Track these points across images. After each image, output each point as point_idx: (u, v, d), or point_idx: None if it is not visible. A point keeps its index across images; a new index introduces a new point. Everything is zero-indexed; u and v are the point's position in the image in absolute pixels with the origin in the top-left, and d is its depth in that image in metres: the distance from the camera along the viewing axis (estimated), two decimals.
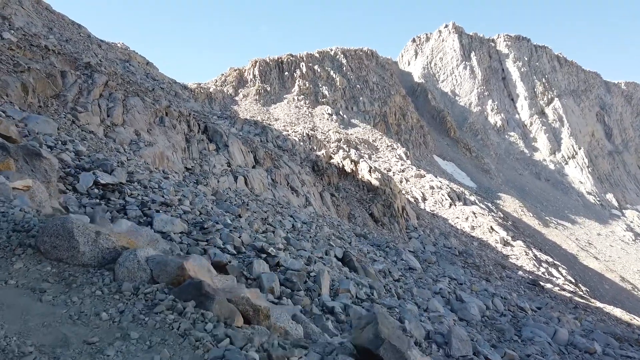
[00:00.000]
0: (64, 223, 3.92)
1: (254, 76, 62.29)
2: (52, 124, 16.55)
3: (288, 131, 47.35)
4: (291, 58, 69.11)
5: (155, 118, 26.43)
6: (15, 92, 17.61)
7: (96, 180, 14.59)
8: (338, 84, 69.71)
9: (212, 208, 19.53)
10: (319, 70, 70.13)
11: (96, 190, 14.46)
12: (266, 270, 12.98)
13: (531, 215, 62.81)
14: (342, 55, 77.01)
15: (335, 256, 22.66)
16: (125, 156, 21.64)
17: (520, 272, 37.02)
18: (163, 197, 16.50)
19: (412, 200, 48.55)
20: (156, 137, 25.68)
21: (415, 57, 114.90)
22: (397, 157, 59.23)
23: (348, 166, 43.15)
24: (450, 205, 50.10)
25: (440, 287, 25.22)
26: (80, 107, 21.23)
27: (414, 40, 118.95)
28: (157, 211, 14.88)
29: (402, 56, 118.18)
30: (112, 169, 15.78)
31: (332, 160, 43.39)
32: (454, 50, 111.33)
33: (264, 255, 14.12)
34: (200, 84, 52.85)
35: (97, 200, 14.19)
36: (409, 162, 59.41)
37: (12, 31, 19.95)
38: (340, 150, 48.16)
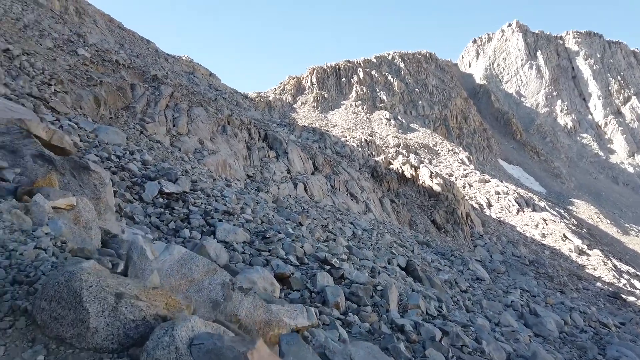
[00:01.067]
0: (70, 280, 2.61)
1: (312, 83, 62.48)
2: (121, 135, 17.03)
3: (346, 137, 46.81)
4: (348, 64, 68.71)
5: (217, 127, 26.86)
6: (88, 105, 18.35)
7: (161, 189, 14.75)
8: (396, 88, 68.35)
9: (273, 216, 19.30)
10: (376, 75, 69.17)
11: (161, 200, 14.60)
12: (330, 283, 12.40)
13: (609, 222, 57.92)
14: (399, 59, 75.56)
15: (399, 265, 21.75)
16: (190, 165, 22.03)
17: (598, 284, 33.95)
18: (225, 205, 16.43)
19: (476, 206, 46.27)
20: (219, 146, 26.06)
21: (477, 58, 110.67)
22: (459, 161, 56.89)
23: (408, 171, 41.84)
24: (518, 211, 47.22)
25: (512, 300, 23.48)
26: (148, 117, 21.88)
27: (475, 41, 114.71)
28: (220, 220, 14.78)
29: (463, 58, 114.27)
30: (176, 177, 15.92)
31: (391, 166, 42.28)
32: (519, 49, 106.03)
33: (327, 267, 13.56)
34: (260, 93, 53.71)
35: (162, 210, 14.32)
36: (472, 166, 56.87)
37: (87, 47, 20.91)
38: (400, 156, 46.90)
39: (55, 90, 16.78)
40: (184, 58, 35.60)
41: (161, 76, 24.27)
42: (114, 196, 11.46)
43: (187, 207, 14.91)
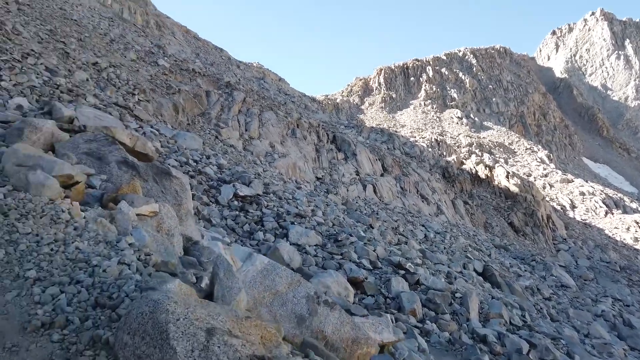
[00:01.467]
0: (155, 312, 2.24)
1: (379, 84, 61.65)
2: (197, 140, 17.67)
3: (415, 137, 45.61)
4: (417, 63, 67.03)
5: (287, 130, 27.18)
6: (168, 112, 19.25)
7: (235, 192, 15.05)
8: (468, 85, 65.62)
9: (343, 218, 19.08)
10: (446, 72, 66.85)
11: (236, 202, 14.90)
12: (405, 289, 11.93)
13: None
14: (471, 56, 72.49)
15: (475, 270, 20.68)
16: (262, 167, 22.44)
17: None
18: (297, 208, 16.46)
19: (558, 208, 43.10)
20: (289, 149, 26.34)
21: (556, 51, 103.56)
22: (539, 160, 53.37)
23: (482, 172, 39.87)
24: (606, 213, 43.35)
25: (603, 309, 21.48)
26: (222, 123, 22.60)
27: (554, 33, 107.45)
28: (292, 223, 14.80)
29: (540, 51, 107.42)
30: (250, 181, 16.20)
31: (463, 166, 40.52)
32: (604, 39, 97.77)
33: (401, 272, 13.09)
34: (327, 96, 53.90)
35: (237, 212, 14.59)
36: (552, 165, 53.14)
37: (166, 58, 21.98)
38: (473, 155, 44.86)
39: (138, 99, 17.74)
40: (254, 65, 36.56)
41: (234, 83, 24.98)
42: (192, 199, 11.77)
43: (260, 210, 15.09)
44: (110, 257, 2.56)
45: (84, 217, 3.28)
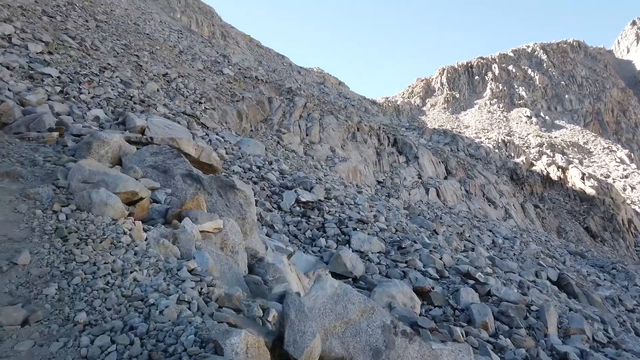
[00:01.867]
0: None
1: (442, 84, 59.72)
2: (260, 146, 17.79)
3: (481, 138, 43.57)
4: (481, 61, 64.19)
5: (348, 134, 26.85)
6: (232, 120, 19.59)
7: (297, 198, 14.92)
8: (537, 82, 61.85)
9: (406, 224, 18.42)
10: (513, 70, 63.42)
11: (298, 208, 14.76)
12: (476, 300, 11.14)
13: None
14: (541, 51, 68.29)
15: (549, 279, 19.23)
16: (323, 172, 22.26)
17: None
18: (359, 213, 16.06)
19: None
20: (349, 152, 26.00)
21: (637, 42, 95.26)
22: (618, 160, 49.09)
23: (554, 173, 37.26)
24: None
25: None
26: (283, 128, 22.71)
27: (634, 23, 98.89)
28: (354, 229, 14.43)
29: (619, 43, 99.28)
30: (312, 186, 16.01)
31: (533, 168, 38.08)
32: None
33: (470, 282, 12.29)
34: (387, 98, 52.95)
35: (299, 218, 14.44)
36: (633, 166, 48.66)
37: (230, 67, 22.42)
38: (544, 156, 42.08)
39: (204, 107, 18.18)
40: (315, 70, 36.62)
41: (295, 88, 25.03)
42: (255, 205, 11.72)
43: (322, 216, 14.85)
44: (169, 292, 2.32)
45: (146, 239, 3.12)
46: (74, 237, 2.83)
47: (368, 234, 14.51)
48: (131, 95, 14.17)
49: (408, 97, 56.51)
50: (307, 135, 23.87)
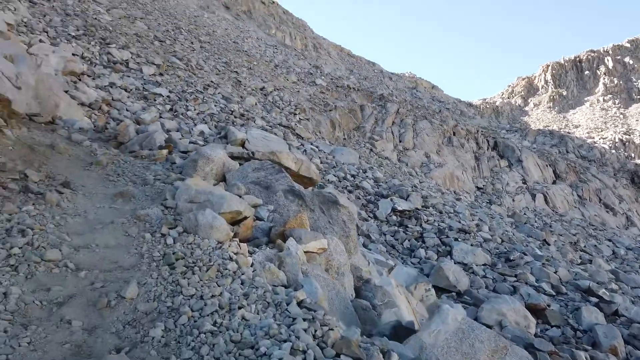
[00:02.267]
0: None
1: (546, 82, 54.86)
2: (354, 154, 17.53)
3: (594, 138, 39.14)
4: (592, 54, 57.91)
5: (443, 139, 25.63)
6: (325, 129, 19.61)
7: (394, 206, 14.35)
8: None
9: (513, 233, 16.93)
10: (631, 62, 56.29)
11: (394, 217, 14.21)
12: (600, 321, 9.74)
13: None
14: None
15: None
16: (418, 179, 21.39)
17: None
18: (460, 222, 15.05)
19: None
20: (445, 158, 24.78)
21: None
22: None
23: None
24: None
25: None
26: (376, 135, 22.27)
27: None
28: (456, 239, 13.52)
29: None
30: (408, 194, 15.34)
31: None
32: None
33: (593, 299, 10.79)
34: (485, 99, 49.87)
35: (396, 228, 13.87)
36: None
37: (323, 77, 22.54)
38: None
39: (299, 118, 18.40)
40: (406, 74, 35.68)
41: (387, 95, 24.48)
42: None
43: (420, 225, 14.13)
44: (281, 337, 2.04)
45: (252, 265, 2.90)
46: (181, 264, 2.69)
47: (471, 245, 13.55)
48: (232, 109, 14.73)
49: (508, 97, 52.72)
50: (400, 141, 23.17)
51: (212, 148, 4.90)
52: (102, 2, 17.03)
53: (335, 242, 3.89)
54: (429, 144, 24.41)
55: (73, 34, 13.04)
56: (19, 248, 2.53)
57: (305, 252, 3.51)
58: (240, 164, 5.12)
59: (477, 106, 40.31)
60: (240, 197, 4.00)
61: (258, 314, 2.32)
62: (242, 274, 2.74)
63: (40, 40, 11.64)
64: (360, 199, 14.38)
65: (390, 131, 23.03)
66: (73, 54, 12.10)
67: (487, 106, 42.68)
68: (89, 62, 12.21)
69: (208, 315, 2.18)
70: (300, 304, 2.54)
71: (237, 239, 3.31)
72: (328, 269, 3.71)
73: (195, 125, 12.56)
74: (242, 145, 11.83)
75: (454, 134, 26.30)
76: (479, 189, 25.21)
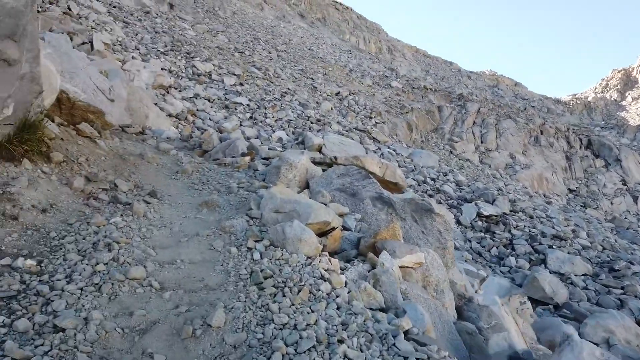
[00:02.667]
0: None
1: None
2: (433, 157, 16.67)
3: None
4: None
5: (529, 138, 23.73)
6: (402, 132, 18.92)
7: (479, 211, 13.38)
8: None
9: (615, 240, 15.11)
10: None
11: (480, 223, 13.24)
12: None
13: None
14: None
15: None
16: (502, 182, 19.93)
17: None
18: (553, 228, 13.69)
19: None
20: (532, 158, 22.92)
21: None
22: None
23: None
24: None
25: None
26: (455, 137, 21.13)
27: None
28: (550, 246, 12.30)
29: None
30: (494, 198, 14.23)
31: None
32: None
33: None
34: (575, 95, 45.70)
35: (482, 234, 12.90)
36: None
37: (398, 79, 21.87)
38: None
39: (375, 121, 17.93)
40: (486, 72, 33.68)
41: (466, 94, 23.18)
42: None
43: (508, 231, 13.03)
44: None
45: (346, 285, 2.54)
46: (269, 284, 2.39)
47: (568, 253, 12.25)
48: (308, 115, 14.66)
49: (602, 92, 47.88)
50: (482, 142, 21.78)
51: (294, 154, 4.66)
52: (187, 18, 17.85)
53: (432, 256, 3.42)
54: (513, 144, 22.74)
55: (161, 49, 13.71)
56: (104, 264, 2.40)
57: (400, 267, 3.09)
58: (323, 170, 4.83)
59: (566, 102, 36.93)
60: (325, 205, 3.69)
61: (362, 350, 1.95)
62: (337, 297, 2.39)
63: (133, 57, 12.33)
64: (441, 203, 13.57)
65: (470, 132, 21.76)
66: (162, 69, 12.70)
67: (578, 102, 38.96)
68: (176, 75, 12.73)
69: (305, 353, 1.83)
70: (406, 334, 2.13)
71: (326, 253, 2.98)
72: (425, 286, 3.26)
73: (274, 131, 12.60)
74: (319, 150, 11.63)
75: (542, 132, 24.28)
76: (571, 191, 22.99)
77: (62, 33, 11.86)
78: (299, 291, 2.33)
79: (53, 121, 4.60)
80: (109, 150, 4.76)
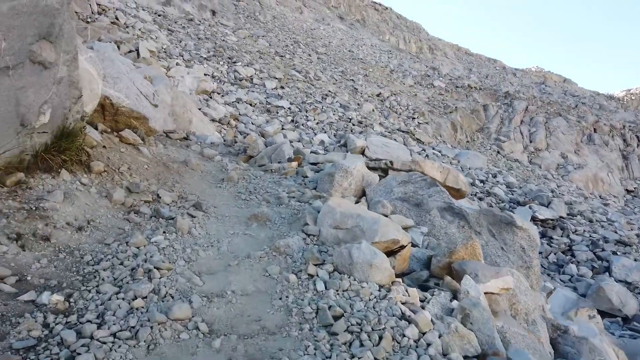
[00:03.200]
0: None
1: None
2: (481, 158, 15.72)
3: None
4: None
5: (582, 137, 22.16)
6: (446, 132, 18.04)
7: (534, 215, 12.42)
8: None
9: None
10: None
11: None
12: None
13: None
14: None
15: None
16: (555, 182, 18.65)
17: None
18: (616, 232, 12.55)
19: None
20: (585, 158, 21.38)
21: None
22: None
23: None
24: None
25: None
26: (502, 136, 20.00)
27: None
28: (614, 253, 11.25)
29: None
30: (549, 201, 13.18)
31: None
32: None
33: None
34: (629, 90, 42.69)
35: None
36: None
37: (441, 78, 20.97)
38: None
39: (418, 122, 17.17)
40: (532, 69, 31.89)
41: (513, 92, 21.95)
42: None
43: (567, 236, 12.02)
44: None
45: (434, 327, 1.99)
46: (341, 327, 1.87)
47: (635, 260, 11.15)
48: (350, 117, 14.16)
49: None
50: (531, 141, 20.51)
51: (350, 159, 4.16)
52: (229, 24, 17.76)
53: (518, 278, 2.83)
54: (565, 143, 21.31)
55: (204, 55, 13.60)
56: (143, 298, 1.98)
57: (486, 293, 2.53)
58: (380, 177, 4.31)
59: (620, 98, 34.47)
60: (386, 216, 3.18)
61: None
62: (428, 345, 1.85)
63: (177, 64, 12.25)
64: (492, 206, 12.70)
65: (518, 131, 20.57)
66: (205, 74, 12.56)
67: (633, 98, 36.27)
68: (218, 80, 12.56)
69: None
70: None
71: (400, 280, 2.46)
72: (515, 316, 2.68)
73: (316, 134, 12.19)
74: (362, 152, 11.12)
75: (595, 130, 22.65)
76: (629, 192, 21.27)
77: (110, 42, 11.92)
78: (380, 338, 1.82)
79: (96, 128, 4.33)
80: (152, 157, 4.43)
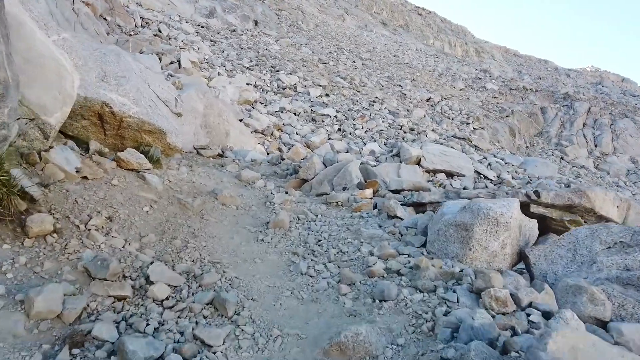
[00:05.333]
0: None
1: None
2: (550, 166, 13.35)
3: None
4: None
5: None
6: (504, 137, 15.75)
7: None
8: None
9: None
10: None
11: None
12: None
13: None
14: None
15: None
16: (629, 190, 15.95)
17: None
18: None
19: None
20: None
21: None
22: None
23: None
24: None
25: None
26: (564, 140, 17.42)
27: None
28: None
29: None
30: None
31: None
32: None
33: None
34: None
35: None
36: None
37: (493, 81, 18.67)
38: None
39: (472, 127, 15.05)
40: (587, 69, 28.61)
41: (573, 93, 19.26)
42: None
43: None
44: None
45: None
46: None
47: None
48: (400, 124, 12.36)
49: None
50: (596, 145, 17.79)
51: (503, 204, 2.31)
52: (271, 34, 16.38)
53: None
54: (634, 146, 18.39)
55: (247, 65, 12.24)
56: None
57: None
58: (537, 228, 2.48)
59: None
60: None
61: None
62: None
63: (219, 74, 10.92)
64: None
65: (581, 134, 17.90)
66: (247, 84, 11.16)
67: None
68: (261, 89, 11.13)
69: None
70: None
71: None
72: None
73: (365, 143, 10.48)
74: (418, 162, 9.19)
75: None
76: None
77: (152, 54, 10.67)
78: None
79: (87, 150, 2.76)
80: (162, 190, 2.80)
